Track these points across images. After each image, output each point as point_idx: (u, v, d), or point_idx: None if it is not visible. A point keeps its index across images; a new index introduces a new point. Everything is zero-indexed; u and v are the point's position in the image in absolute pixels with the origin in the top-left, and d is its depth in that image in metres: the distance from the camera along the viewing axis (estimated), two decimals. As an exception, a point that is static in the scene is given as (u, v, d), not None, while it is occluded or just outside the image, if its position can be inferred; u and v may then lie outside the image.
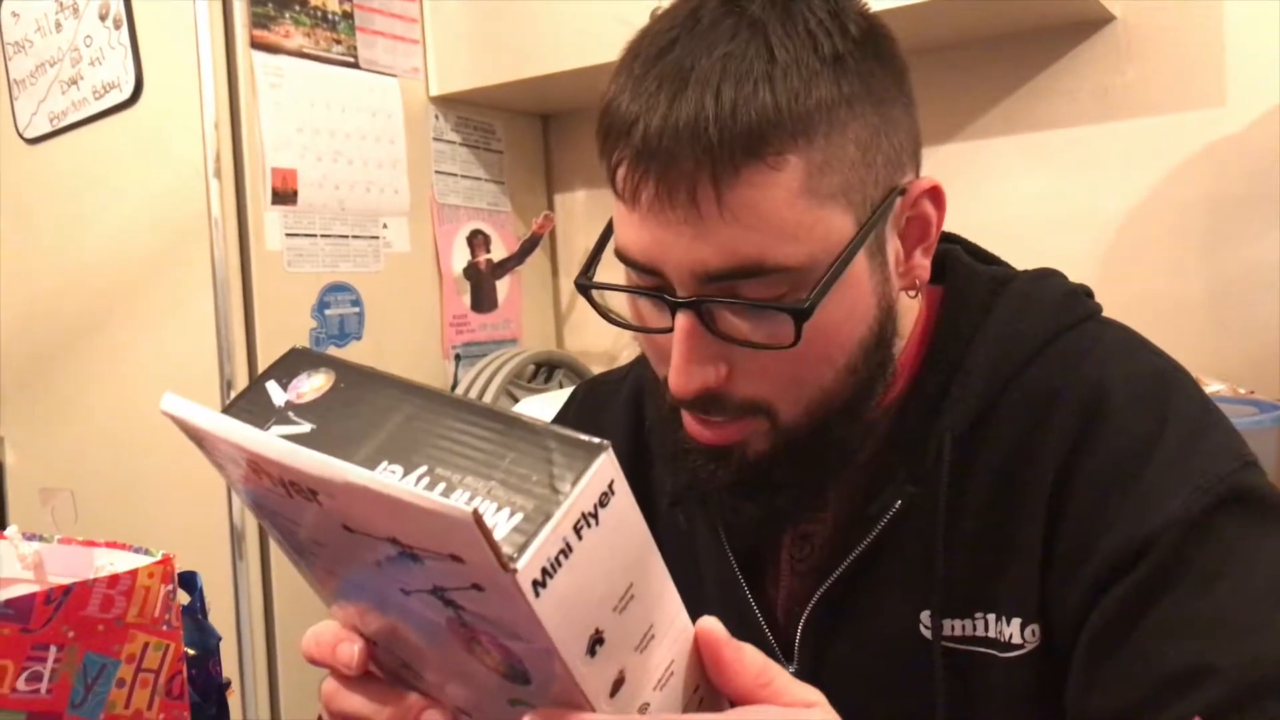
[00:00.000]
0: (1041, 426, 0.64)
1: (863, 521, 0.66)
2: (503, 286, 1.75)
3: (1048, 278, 0.71)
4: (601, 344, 1.84)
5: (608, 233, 0.66)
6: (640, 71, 0.59)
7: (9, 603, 0.46)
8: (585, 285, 0.65)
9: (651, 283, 0.61)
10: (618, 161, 0.59)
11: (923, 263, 0.66)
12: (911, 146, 0.63)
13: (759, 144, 0.55)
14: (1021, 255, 0.76)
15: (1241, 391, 1.21)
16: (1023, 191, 1.45)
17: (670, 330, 0.60)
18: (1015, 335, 0.66)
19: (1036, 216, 1.44)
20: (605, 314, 0.66)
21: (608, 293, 0.65)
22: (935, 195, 0.64)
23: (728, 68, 0.56)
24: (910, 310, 0.69)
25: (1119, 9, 1.36)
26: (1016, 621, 0.63)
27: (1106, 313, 0.71)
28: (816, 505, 0.67)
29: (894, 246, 0.63)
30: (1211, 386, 1.19)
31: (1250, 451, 0.62)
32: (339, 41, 1.48)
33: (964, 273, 0.70)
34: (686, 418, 0.63)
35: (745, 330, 0.59)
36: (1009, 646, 0.63)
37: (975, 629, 0.64)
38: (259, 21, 1.38)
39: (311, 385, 0.42)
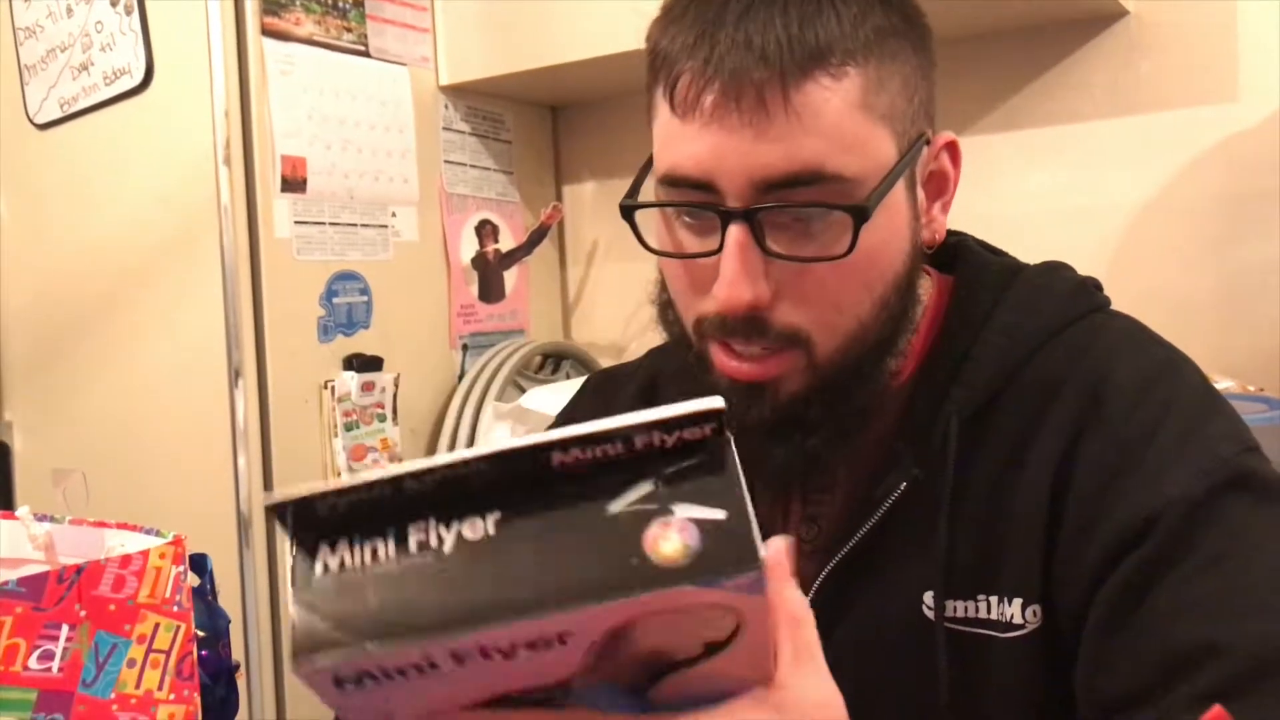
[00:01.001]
0: (1047, 412, 0.64)
1: (869, 503, 0.67)
2: (510, 277, 1.75)
3: (1057, 270, 0.72)
4: (609, 335, 1.84)
5: (649, 163, 0.67)
6: (689, 3, 0.62)
7: (22, 581, 0.47)
8: (631, 206, 0.67)
9: (702, 198, 0.62)
10: (677, 75, 0.61)
11: (940, 218, 0.69)
12: (932, 105, 0.67)
13: (824, 54, 0.59)
14: (1032, 250, 0.76)
15: (1251, 389, 1.20)
16: (1034, 186, 1.44)
17: (713, 253, 0.61)
18: (1024, 324, 0.67)
19: (1048, 211, 1.43)
20: (644, 241, 0.67)
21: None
22: (953, 150, 0.68)
23: None
24: (922, 296, 0.70)
25: (1132, 4, 1.35)
26: (1018, 602, 0.63)
27: (1116, 308, 0.72)
28: (848, 453, 0.68)
29: (920, 195, 0.66)
30: (1220, 383, 1.18)
31: (1253, 438, 0.63)
32: (349, 29, 1.48)
33: (975, 262, 0.72)
34: (719, 355, 0.64)
35: (796, 247, 0.61)
36: (1009, 627, 0.63)
37: (978, 610, 0.64)
38: (270, 9, 1.38)
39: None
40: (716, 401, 0.33)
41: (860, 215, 0.60)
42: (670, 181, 0.63)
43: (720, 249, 0.61)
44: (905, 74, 0.63)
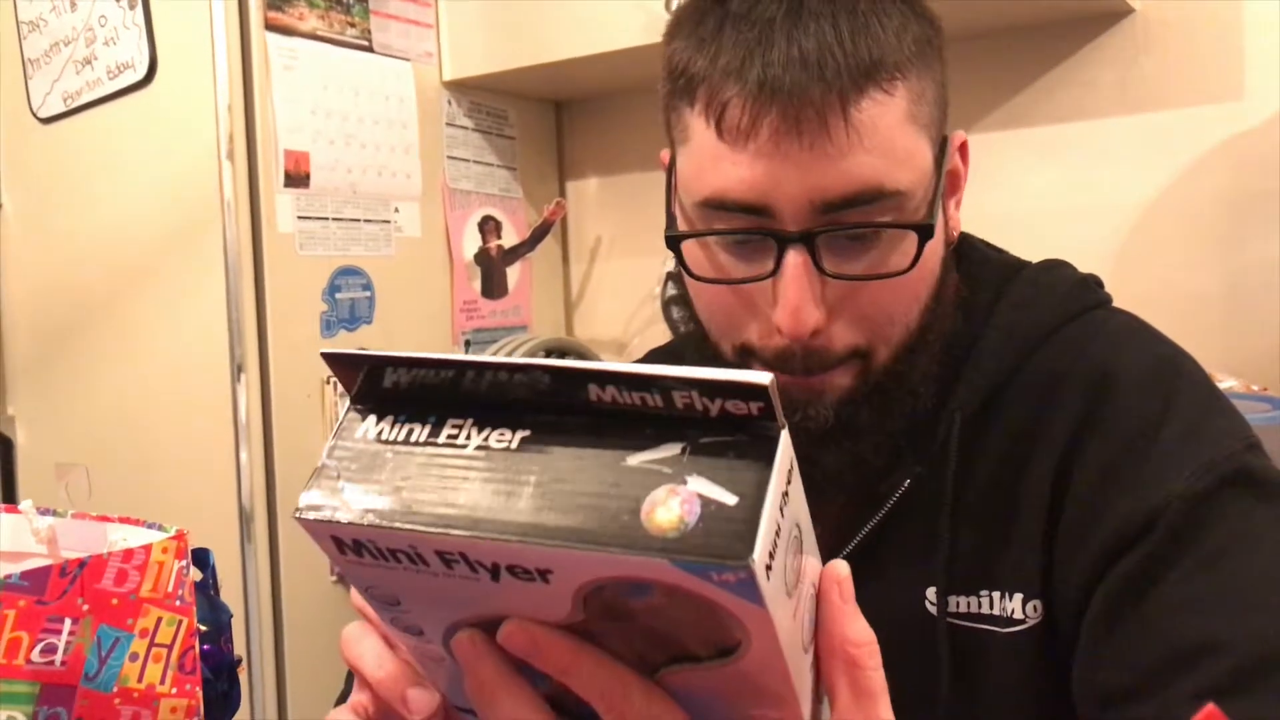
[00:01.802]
0: (1048, 408, 0.65)
1: (872, 500, 0.67)
2: (513, 273, 1.75)
3: (1058, 267, 0.72)
4: (611, 331, 1.84)
5: (671, 181, 0.66)
6: (724, 19, 0.60)
7: (25, 574, 0.47)
8: (678, 236, 0.64)
9: (755, 224, 0.60)
10: (724, 99, 0.59)
11: (955, 215, 0.69)
12: (948, 106, 0.67)
13: (877, 67, 0.58)
14: (1037, 247, 0.76)
15: (1254, 388, 1.20)
16: (1039, 184, 1.44)
17: (764, 278, 0.60)
18: (1025, 321, 0.68)
19: (1052, 209, 1.43)
20: (690, 270, 0.65)
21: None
22: (964, 149, 0.69)
23: (836, 3, 0.58)
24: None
25: (1138, 2, 1.35)
26: (1019, 597, 0.63)
27: (1120, 306, 0.72)
28: (893, 457, 0.67)
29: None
30: (1224, 383, 1.18)
31: (1254, 435, 0.63)
32: (353, 24, 1.48)
33: (977, 259, 0.72)
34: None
35: (851, 265, 0.60)
36: (1011, 622, 0.64)
37: (980, 606, 0.65)
38: (273, 3, 1.38)
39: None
40: (764, 377, 0.31)
41: (926, 233, 0.59)
42: (716, 205, 0.61)
43: (773, 272, 0.60)
44: (938, 81, 0.63)
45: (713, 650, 0.34)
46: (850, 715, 0.37)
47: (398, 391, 0.36)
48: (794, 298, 0.59)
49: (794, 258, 0.59)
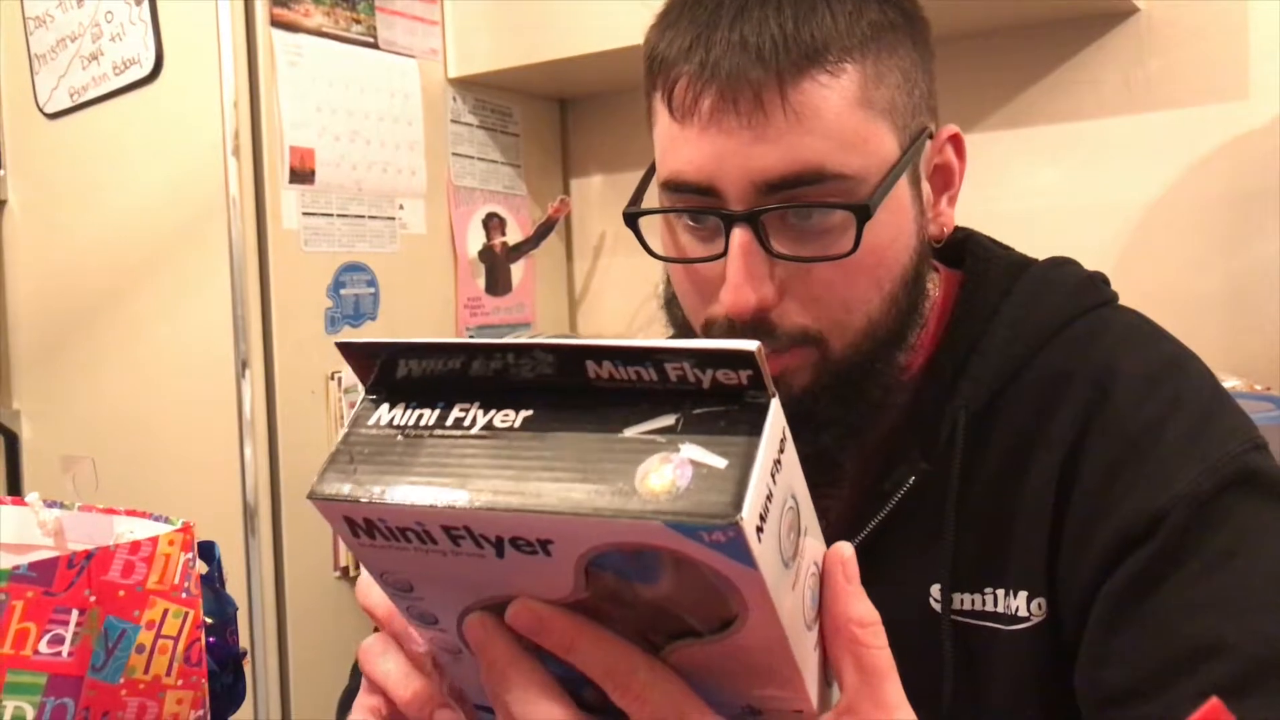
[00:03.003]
0: (1054, 406, 0.64)
1: (876, 497, 0.67)
2: (517, 270, 1.75)
3: (1064, 264, 0.72)
4: (615, 328, 1.85)
5: (652, 169, 0.67)
6: (684, 6, 0.62)
7: (33, 566, 0.47)
8: (634, 213, 0.66)
9: (704, 203, 0.62)
10: (674, 79, 0.61)
11: (948, 212, 0.69)
12: (933, 98, 0.66)
13: (821, 52, 0.58)
14: (1040, 246, 0.76)
15: (1258, 388, 1.20)
16: (1043, 183, 1.44)
17: (718, 257, 0.61)
18: (1031, 319, 0.67)
19: (1057, 208, 1.43)
20: (649, 247, 0.67)
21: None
22: (957, 143, 0.68)
23: None
24: (930, 291, 0.70)
25: (1143, 1, 1.35)
26: (1023, 595, 0.63)
27: (1123, 305, 0.72)
28: (856, 448, 0.67)
29: (925, 189, 0.66)
30: (1228, 382, 1.18)
31: (1260, 435, 0.62)
32: (358, 21, 1.48)
33: (983, 256, 0.72)
34: None
35: (800, 247, 0.61)
36: (1014, 619, 0.64)
37: (984, 603, 0.65)
38: (279, 0, 1.38)
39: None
40: (751, 344, 0.32)
41: (863, 214, 0.59)
42: (672, 187, 0.63)
43: (724, 253, 0.61)
44: (904, 68, 0.63)
45: (714, 624, 0.35)
46: (858, 695, 0.38)
47: (409, 380, 0.37)
48: (734, 275, 0.60)
49: (738, 236, 0.60)
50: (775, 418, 0.33)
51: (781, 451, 0.34)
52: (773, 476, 0.33)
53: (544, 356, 0.35)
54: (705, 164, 0.60)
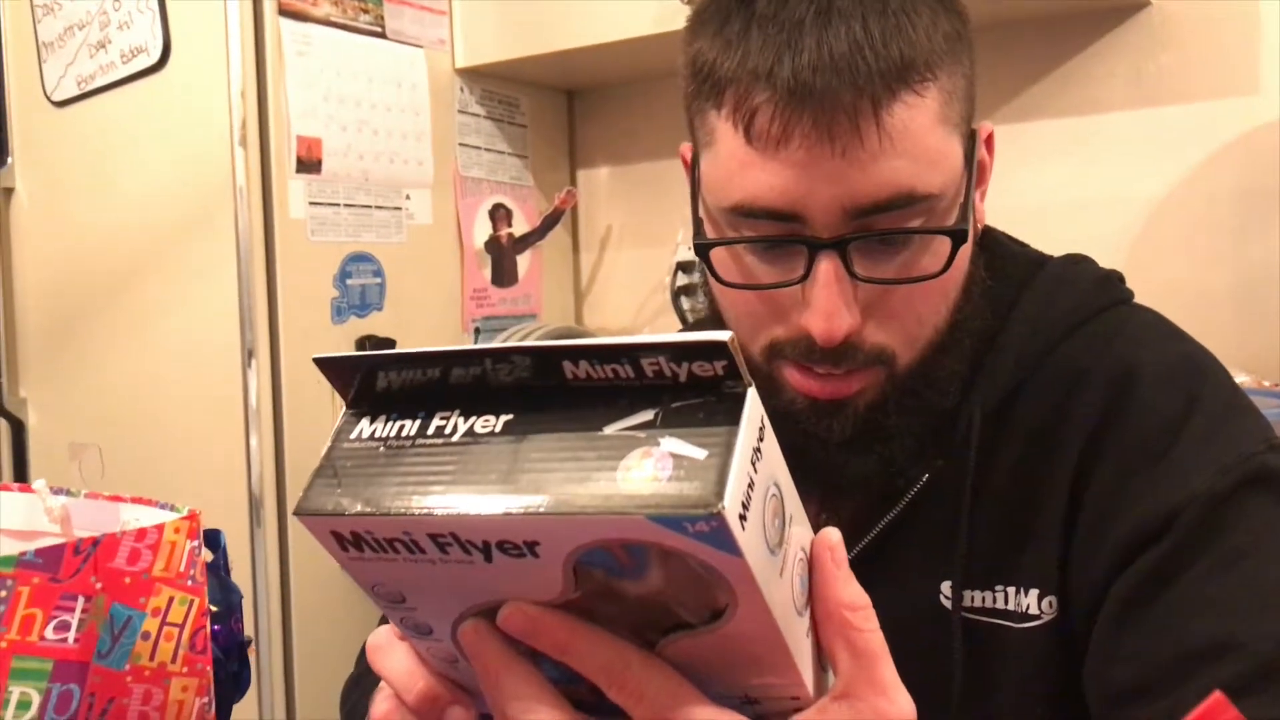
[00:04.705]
0: (1069, 404, 0.64)
1: (890, 494, 0.66)
2: (523, 261, 1.75)
3: (1081, 262, 0.72)
4: (621, 320, 1.84)
5: (696, 184, 0.65)
6: (750, 20, 0.58)
7: (39, 552, 0.47)
8: (707, 244, 0.63)
9: (785, 230, 0.59)
10: (751, 100, 0.58)
11: (981, 207, 0.68)
12: (975, 96, 0.65)
13: (909, 71, 0.57)
14: (1050, 240, 0.76)
15: (1267, 384, 1.20)
16: (1053, 176, 1.43)
17: (795, 282, 0.60)
18: (1048, 316, 0.67)
19: (1067, 202, 1.42)
20: (718, 275, 0.64)
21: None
22: (990, 140, 0.68)
23: (865, 3, 0.57)
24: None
25: (1154, -6, 1.34)
26: (1034, 593, 0.63)
27: (1135, 300, 0.71)
28: (918, 457, 0.66)
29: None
30: (1238, 378, 1.18)
31: (1277, 437, 0.62)
32: (366, 11, 1.48)
33: (1000, 253, 0.71)
34: (795, 375, 0.62)
35: (882, 269, 0.60)
36: (1026, 617, 0.63)
37: (995, 601, 0.64)
38: (287, -11, 1.38)
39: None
40: (723, 335, 0.32)
41: (960, 238, 0.59)
42: (745, 212, 0.60)
43: (804, 277, 0.59)
44: (968, 77, 0.62)
45: (705, 616, 0.35)
46: (853, 678, 0.37)
47: (390, 393, 0.37)
48: (826, 304, 0.58)
49: (826, 264, 0.58)
50: (752, 407, 0.34)
51: (761, 440, 0.34)
52: (753, 465, 0.33)
53: (521, 360, 0.35)
54: (791, 191, 0.57)
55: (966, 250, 0.63)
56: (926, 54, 0.57)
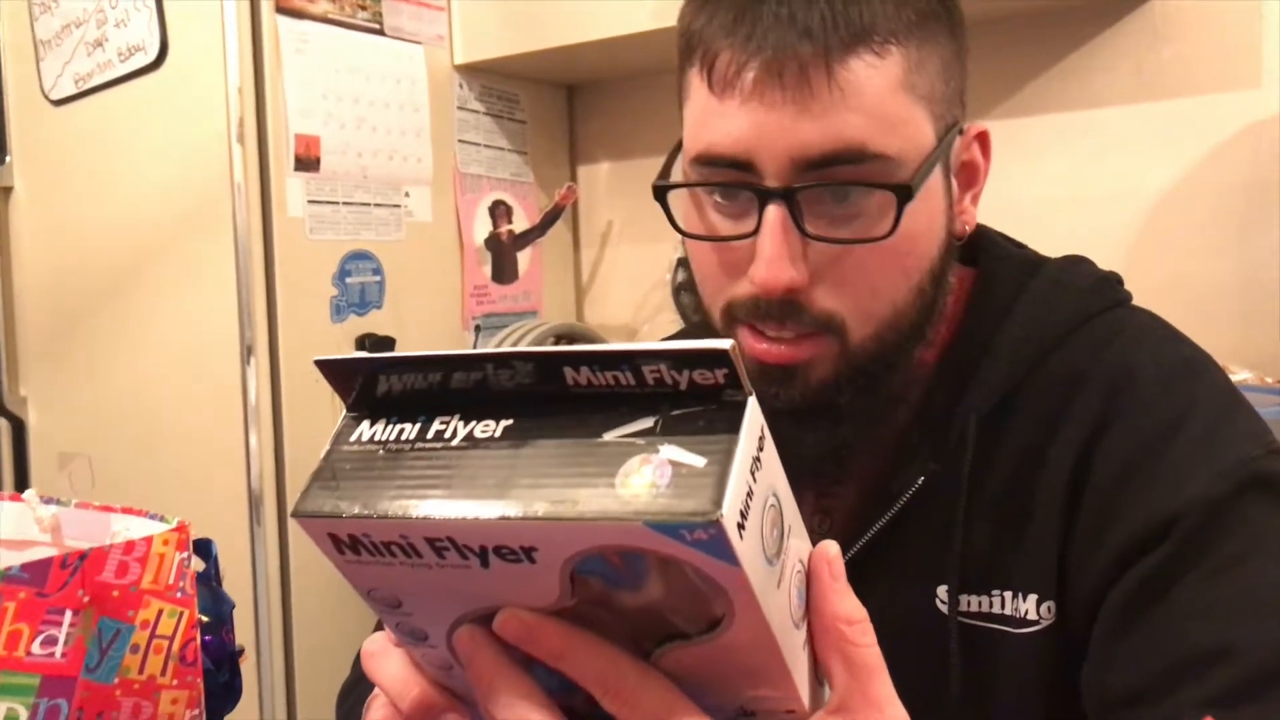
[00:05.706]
0: (1066, 407, 0.64)
1: (884, 497, 0.66)
2: (524, 258, 1.75)
3: (1078, 264, 0.71)
4: (622, 317, 1.84)
5: (678, 145, 0.67)
6: None
7: (25, 567, 0.47)
8: (664, 186, 0.65)
9: (738, 178, 0.61)
10: (715, 54, 0.60)
11: (971, 209, 0.68)
12: (965, 94, 0.66)
13: (869, 32, 0.58)
14: (1052, 236, 0.75)
15: (1269, 381, 1.19)
16: (1054, 171, 1.43)
17: (748, 235, 0.61)
18: (1044, 319, 0.67)
19: (1068, 196, 1.42)
20: (676, 223, 0.66)
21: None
22: (984, 141, 0.68)
23: None
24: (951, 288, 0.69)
25: (1156, -12, 1.33)
26: (1033, 598, 0.63)
27: (1137, 296, 0.71)
28: (867, 445, 0.67)
29: (953, 184, 0.66)
30: (1238, 375, 1.17)
31: (1276, 440, 0.62)
32: (364, 8, 1.47)
33: (996, 254, 0.71)
34: (747, 338, 0.63)
35: (835, 229, 0.60)
36: (1023, 622, 0.63)
37: (992, 605, 0.64)
38: (284, -14, 1.37)
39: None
40: (725, 343, 0.32)
41: (904, 194, 0.59)
42: (705, 161, 0.62)
43: (756, 230, 0.60)
44: (944, 57, 0.62)
45: (702, 626, 0.35)
46: (848, 692, 0.37)
47: (390, 396, 0.37)
48: (767, 252, 0.59)
49: (773, 212, 0.59)
50: (753, 416, 0.33)
51: (761, 449, 0.34)
52: (753, 474, 0.33)
53: (523, 365, 0.35)
54: (744, 137, 0.59)
55: (933, 233, 0.63)
56: (891, 22, 0.59)
